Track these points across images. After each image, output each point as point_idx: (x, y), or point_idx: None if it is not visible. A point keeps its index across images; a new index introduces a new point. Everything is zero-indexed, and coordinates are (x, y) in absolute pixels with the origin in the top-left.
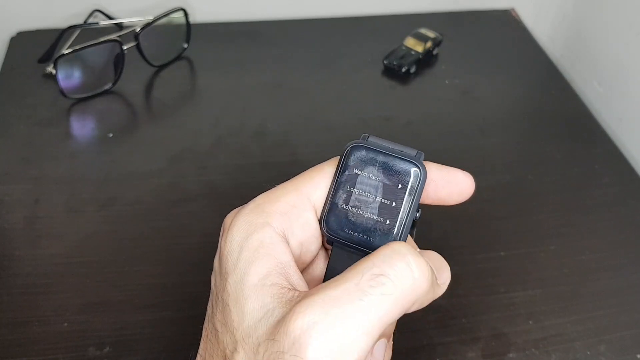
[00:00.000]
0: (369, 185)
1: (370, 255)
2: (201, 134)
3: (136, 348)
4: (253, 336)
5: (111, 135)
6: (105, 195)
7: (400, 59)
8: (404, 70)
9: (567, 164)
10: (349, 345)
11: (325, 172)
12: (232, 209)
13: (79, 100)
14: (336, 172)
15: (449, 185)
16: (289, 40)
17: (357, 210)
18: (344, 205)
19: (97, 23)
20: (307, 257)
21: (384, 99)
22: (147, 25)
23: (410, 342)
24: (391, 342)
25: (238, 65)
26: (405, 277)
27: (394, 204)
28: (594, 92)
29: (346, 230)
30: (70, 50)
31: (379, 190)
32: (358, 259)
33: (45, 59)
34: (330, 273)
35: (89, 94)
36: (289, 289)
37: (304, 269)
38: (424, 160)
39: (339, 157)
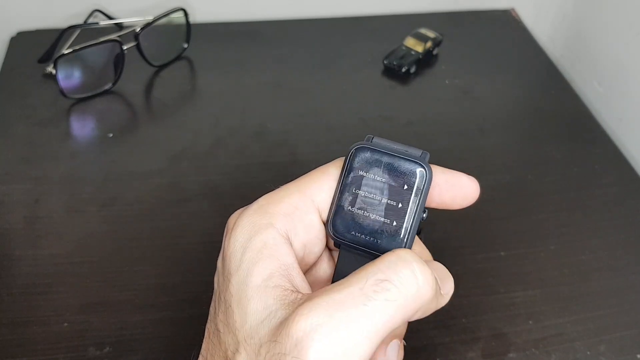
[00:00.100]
0: (374, 186)
1: (375, 260)
2: (201, 134)
3: (136, 348)
4: (255, 337)
5: (111, 135)
6: (105, 195)
7: (400, 59)
8: (404, 70)
9: (567, 164)
10: (352, 349)
11: (329, 173)
12: (232, 209)
13: (79, 100)
14: (341, 174)
15: (453, 189)
16: (289, 40)
17: (364, 212)
18: (350, 208)
19: (97, 23)
20: (311, 259)
21: (384, 99)
22: (147, 25)
23: (410, 342)
24: (403, 342)
25: (238, 65)
26: (409, 284)
27: (400, 205)
28: (594, 92)
29: (353, 232)
30: (70, 50)
31: (385, 191)
32: (365, 262)
33: (45, 59)
34: (338, 276)
35: (89, 94)
36: (292, 290)
37: (307, 270)
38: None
39: (342, 158)
